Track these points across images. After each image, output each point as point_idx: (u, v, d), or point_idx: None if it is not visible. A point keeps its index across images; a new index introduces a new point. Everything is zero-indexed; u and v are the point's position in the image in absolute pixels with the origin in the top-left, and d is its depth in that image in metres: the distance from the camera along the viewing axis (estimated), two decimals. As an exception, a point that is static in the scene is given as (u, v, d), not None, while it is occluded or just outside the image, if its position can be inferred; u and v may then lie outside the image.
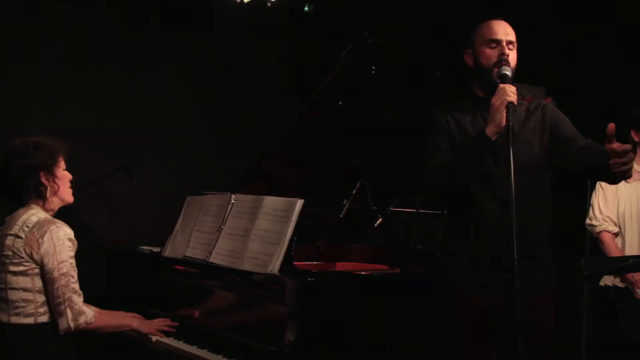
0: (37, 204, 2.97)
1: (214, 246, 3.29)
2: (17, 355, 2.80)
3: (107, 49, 4.62)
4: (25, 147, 2.96)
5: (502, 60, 2.65)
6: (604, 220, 3.85)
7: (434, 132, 2.77)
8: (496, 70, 2.65)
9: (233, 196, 3.39)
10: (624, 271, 3.55)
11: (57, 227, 2.87)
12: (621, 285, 3.77)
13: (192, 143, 5.01)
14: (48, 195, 2.98)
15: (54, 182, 2.98)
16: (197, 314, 3.22)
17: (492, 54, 2.68)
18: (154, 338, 3.17)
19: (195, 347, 3.04)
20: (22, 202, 2.98)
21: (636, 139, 3.89)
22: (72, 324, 2.83)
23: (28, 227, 2.85)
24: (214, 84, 5.08)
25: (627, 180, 3.81)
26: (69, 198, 3.08)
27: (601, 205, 3.88)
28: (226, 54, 5.10)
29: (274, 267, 2.94)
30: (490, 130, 2.55)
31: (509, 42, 2.70)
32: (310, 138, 3.68)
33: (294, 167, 3.71)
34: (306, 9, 5.13)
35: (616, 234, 3.86)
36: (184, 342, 3.10)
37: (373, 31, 3.50)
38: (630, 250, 3.78)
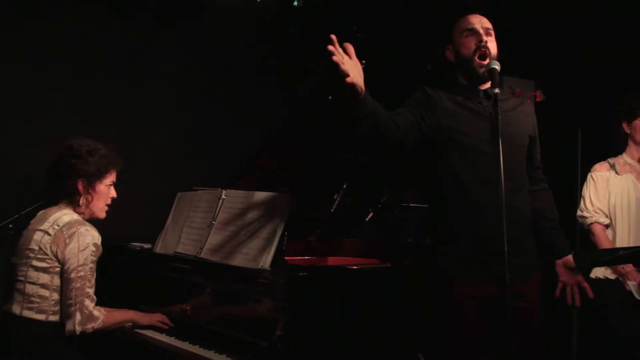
0: (69, 207, 3.00)
1: (205, 242, 3.29)
2: (22, 349, 2.81)
3: (98, 45, 4.59)
4: (79, 148, 3.00)
5: (482, 47, 2.70)
6: (595, 212, 3.85)
7: (412, 103, 2.75)
8: (477, 57, 2.69)
9: (224, 192, 3.39)
10: (614, 263, 3.56)
11: (87, 229, 2.90)
12: (612, 277, 3.78)
13: (183, 139, 4.99)
14: (80, 202, 3.00)
15: (88, 193, 3.01)
16: (188, 309, 3.21)
17: (470, 42, 2.73)
18: (146, 334, 3.17)
19: (187, 342, 3.04)
20: (55, 200, 3.01)
21: (627, 131, 3.91)
22: (78, 328, 2.83)
23: (58, 225, 2.88)
24: (205, 80, 5.06)
25: (619, 172, 3.86)
26: (100, 214, 3.10)
27: (592, 197, 3.88)
28: (217, 50, 5.08)
29: (265, 262, 2.94)
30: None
31: (486, 29, 2.74)
32: (301, 133, 3.68)
33: (285, 162, 3.71)
34: (295, 3, 5.12)
35: (607, 226, 3.87)
36: (175, 339, 3.10)
37: (362, 26, 3.50)
38: (621, 242, 3.78)
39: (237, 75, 5.13)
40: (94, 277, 2.92)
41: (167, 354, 3.05)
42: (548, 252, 2.91)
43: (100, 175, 3.03)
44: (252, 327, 2.87)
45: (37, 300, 2.84)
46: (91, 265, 2.89)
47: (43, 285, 2.85)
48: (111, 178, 3.10)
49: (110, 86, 4.65)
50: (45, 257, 2.86)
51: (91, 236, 2.90)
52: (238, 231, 3.14)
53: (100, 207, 3.08)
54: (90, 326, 2.86)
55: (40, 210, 3.09)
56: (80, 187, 2.99)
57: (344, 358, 2.87)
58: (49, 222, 2.91)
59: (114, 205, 3.19)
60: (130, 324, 3.19)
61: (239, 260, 3.05)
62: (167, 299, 3.33)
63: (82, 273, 2.84)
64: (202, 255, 3.25)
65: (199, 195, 3.54)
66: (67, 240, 2.85)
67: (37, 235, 2.90)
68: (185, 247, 3.41)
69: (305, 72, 3.75)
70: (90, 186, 3.01)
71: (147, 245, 3.73)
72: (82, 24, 4.53)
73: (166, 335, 3.15)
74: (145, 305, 3.37)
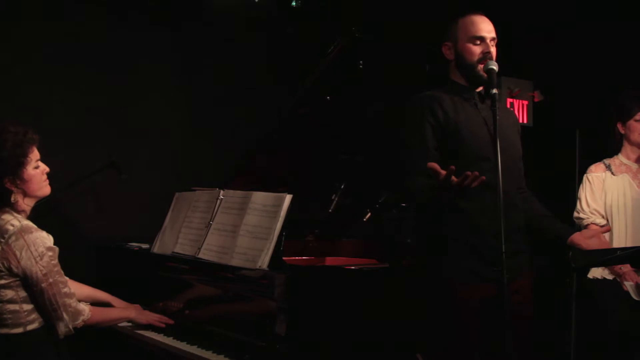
0: (7, 209, 2.78)
1: (203, 242, 3.29)
2: None
3: (97, 45, 4.60)
4: None
5: (487, 57, 2.71)
6: (592, 212, 3.86)
7: (419, 125, 2.73)
8: (481, 65, 2.71)
9: (222, 192, 3.39)
10: (612, 263, 3.57)
11: (35, 236, 2.71)
12: (610, 277, 3.79)
13: (181, 139, 4.99)
14: (13, 200, 2.76)
15: (19, 186, 2.76)
16: (186, 310, 3.22)
17: (476, 50, 2.74)
18: (144, 334, 3.18)
19: (185, 343, 3.05)
20: None
21: (622, 132, 3.91)
22: (70, 326, 2.79)
23: (4, 238, 2.69)
24: (202, 79, 5.07)
25: (615, 173, 3.87)
26: (44, 192, 2.85)
27: (588, 198, 3.88)
28: (215, 49, 5.09)
29: (263, 262, 2.94)
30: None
31: (492, 39, 2.76)
32: (299, 133, 3.69)
33: (283, 162, 3.72)
34: (293, 3, 5.13)
35: (603, 227, 3.87)
36: (173, 339, 3.10)
37: (361, 26, 3.50)
38: (617, 243, 3.79)
39: (236, 75, 5.14)
40: (63, 275, 2.79)
41: (165, 354, 3.06)
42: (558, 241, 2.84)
43: (22, 164, 2.73)
44: (250, 327, 2.88)
45: (9, 316, 2.73)
46: (55, 269, 2.75)
47: (10, 301, 2.73)
48: (34, 156, 2.78)
49: (109, 86, 4.65)
50: (1, 274, 2.71)
51: (41, 242, 2.71)
52: (236, 231, 3.15)
53: (39, 188, 2.80)
54: (80, 320, 2.81)
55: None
56: (7, 186, 2.72)
57: (342, 358, 2.88)
58: None
59: (112, 206, 3.18)
60: (129, 323, 3.18)
61: (237, 260, 3.05)
62: (165, 299, 3.34)
63: (50, 280, 2.72)
64: (200, 256, 3.26)
65: (197, 196, 3.55)
66: (19, 254, 2.66)
67: None
68: (183, 247, 3.41)
69: (302, 71, 3.75)
70: (18, 179, 2.73)
71: (145, 246, 3.74)
72: (82, 24, 4.54)
73: (164, 335, 3.16)
74: (143, 306, 3.37)
